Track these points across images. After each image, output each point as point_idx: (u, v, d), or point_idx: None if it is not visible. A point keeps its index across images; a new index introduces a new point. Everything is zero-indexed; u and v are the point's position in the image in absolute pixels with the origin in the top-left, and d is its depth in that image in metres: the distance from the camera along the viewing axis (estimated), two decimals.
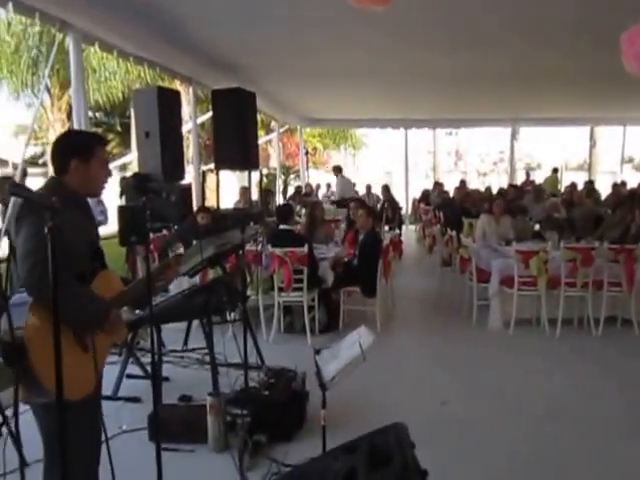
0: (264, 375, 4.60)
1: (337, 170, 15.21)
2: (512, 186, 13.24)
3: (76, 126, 5.51)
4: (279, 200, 15.79)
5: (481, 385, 4.90)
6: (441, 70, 9.05)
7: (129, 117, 16.98)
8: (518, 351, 5.75)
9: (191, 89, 8.28)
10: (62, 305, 2.08)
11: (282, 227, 6.22)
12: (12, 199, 2.84)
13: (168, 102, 6.10)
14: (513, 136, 17.12)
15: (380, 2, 3.12)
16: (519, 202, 9.96)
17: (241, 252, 4.53)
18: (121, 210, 6.26)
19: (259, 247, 5.81)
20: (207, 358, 5.05)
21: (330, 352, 3.02)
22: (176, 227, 7.05)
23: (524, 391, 4.74)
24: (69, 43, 5.23)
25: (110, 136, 17.11)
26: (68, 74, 12.20)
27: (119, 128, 18.52)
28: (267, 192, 11.07)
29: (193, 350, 5.26)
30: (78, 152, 2.42)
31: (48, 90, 13.09)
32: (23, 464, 3.50)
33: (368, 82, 10.21)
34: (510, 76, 9.36)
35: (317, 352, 3.09)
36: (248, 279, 5.57)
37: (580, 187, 12.53)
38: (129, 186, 6.75)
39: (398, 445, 2.45)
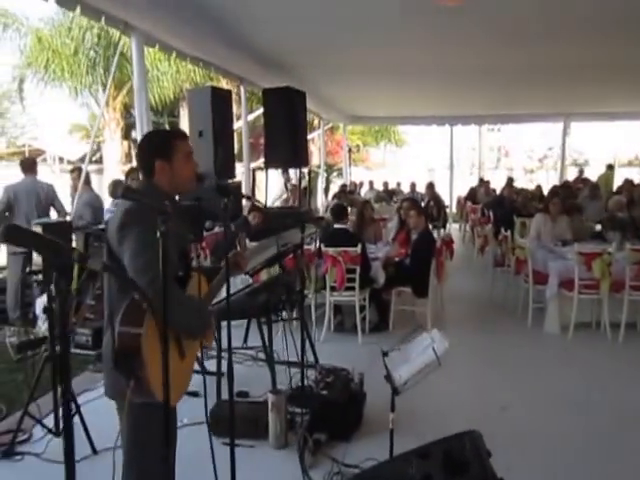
0: (318, 373, 4.62)
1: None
2: (565, 184, 12.92)
3: (138, 126, 5.64)
4: (322, 198, 15.81)
5: (541, 391, 4.78)
6: (491, 66, 8.88)
7: (177, 116, 17.30)
8: (578, 356, 5.59)
9: (242, 88, 8.34)
10: (174, 312, 2.08)
11: (337, 226, 6.20)
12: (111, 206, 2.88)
13: (220, 102, 6.16)
14: (565, 132, 16.56)
15: None
16: (573, 201, 9.67)
17: (300, 251, 4.53)
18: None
19: (314, 246, 5.81)
20: (260, 355, 5.11)
21: (400, 355, 2.98)
22: (229, 225, 7.09)
23: (589, 399, 4.60)
24: (132, 45, 5.32)
25: None
26: (122, 75, 12.56)
27: (167, 127, 18.82)
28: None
29: (247, 347, 5.30)
30: (159, 152, 2.38)
31: (104, 90, 13.43)
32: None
33: (415, 79, 10.12)
34: (562, 70, 9.11)
35: (385, 354, 3.06)
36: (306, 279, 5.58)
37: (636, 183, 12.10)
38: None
39: (475, 453, 2.41)
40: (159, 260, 2.06)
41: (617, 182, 15.56)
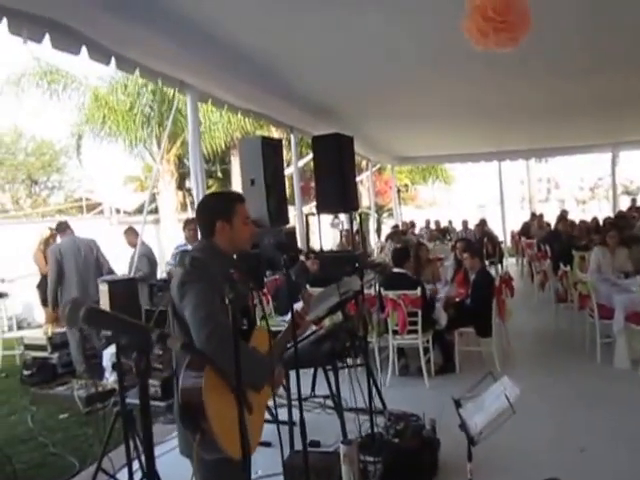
0: (387, 420, 4.55)
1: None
2: (620, 214, 12.58)
3: (192, 178, 5.87)
4: (375, 239, 15.82)
5: (619, 429, 4.56)
6: (537, 101, 8.83)
7: (228, 163, 17.79)
8: None
9: (292, 136, 8.55)
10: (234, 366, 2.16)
11: (395, 270, 6.20)
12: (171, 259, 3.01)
13: (271, 150, 6.34)
14: (613, 161, 16.18)
15: (510, 44, 3.10)
16: (631, 231, 9.41)
17: (361, 297, 4.54)
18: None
19: (373, 290, 5.82)
20: (328, 402, 5.08)
21: (473, 403, 2.92)
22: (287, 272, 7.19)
23: None
24: (187, 101, 5.57)
25: (210, 182, 17.96)
26: (176, 128, 13.06)
27: (220, 174, 19.38)
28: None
29: (315, 396, 5.28)
30: (220, 214, 2.51)
31: (158, 143, 14.00)
32: None
33: (462, 119, 10.12)
34: (608, 101, 8.99)
35: (457, 403, 3.00)
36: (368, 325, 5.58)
37: None
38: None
39: None
40: (218, 314, 2.23)
41: None
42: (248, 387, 2.32)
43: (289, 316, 2.78)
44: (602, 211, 21.90)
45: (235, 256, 2.62)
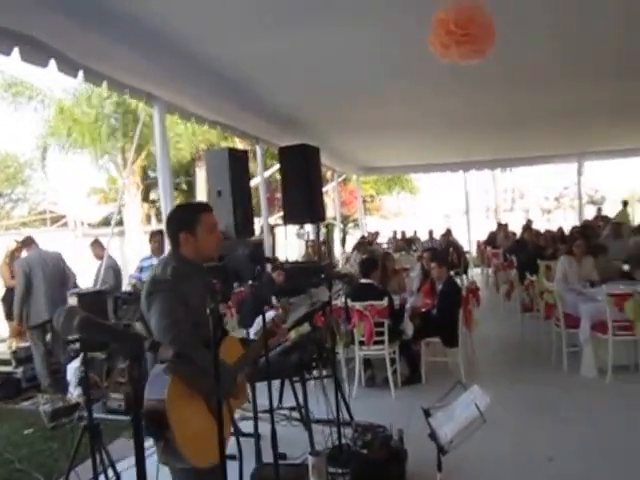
0: (354, 431, 4.53)
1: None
2: (586, 224, 12.84)
3: (161, 189, 5.87)
4: (340, 250, 15.83)
5: (586, 438, 4.61)
6: (503, 112, 9.01)
7: (193, 175, 17.68)
8: (619, 400, 5.41)
9: (258, 147, 8.52)
10: (197, 374, 2.19)
11: (363, 281, 6.19)
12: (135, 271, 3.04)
13: (237, 162, 6.34)
14: (579, 171, 16.54)
15: (475, 57, 3.14)
16: (597, 240, 9.60)
17: (329, 308, 4.51)
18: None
19: (339, 301, 5.80)
20: (294, 414, 5.03)
21: (443, 413, 2.91)
22: (252, 284, 7.13)
23: (636, 445, 4.42)
24: (154, 114, 5.51)
25: (175, 194, 17.76)
26: (141, 139, 12.92)
27: (184, 186, 19.21)
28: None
29: (282, 408, 5.22)
30: (183, 225, 2.61)
31: (123, 154, 13.87)
32: None
33: (428, 129, 10.27)
34: (575, 112, 9.21)
35: (427, 413, 2.99)
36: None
37: None
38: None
39: None
40: (182, 322, 2.35)
41: (635, 217, 15.50)
42: (210, 395, 2.32)
43: (253, 329, 2.77)
44: (567, 220, 22.37)
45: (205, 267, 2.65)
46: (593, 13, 4.66)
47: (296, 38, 4.86)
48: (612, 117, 9.82)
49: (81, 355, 3.92)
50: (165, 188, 5.69)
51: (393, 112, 8.43)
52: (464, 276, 12.96)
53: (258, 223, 8.65)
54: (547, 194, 36.49)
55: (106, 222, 17.97)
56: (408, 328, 6.26)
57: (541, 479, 4.04)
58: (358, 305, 5.83)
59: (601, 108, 8.96)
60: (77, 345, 5.00)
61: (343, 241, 17.59)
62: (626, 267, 7.79)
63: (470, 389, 3.00)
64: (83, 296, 6.05)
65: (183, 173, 18.45)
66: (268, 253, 8.46)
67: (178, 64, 5.17)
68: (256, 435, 4.26)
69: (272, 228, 8.92)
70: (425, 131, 10.47)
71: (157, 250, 6.93)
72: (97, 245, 7.82)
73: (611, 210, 17.80)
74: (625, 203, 15.92)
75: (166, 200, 5.61)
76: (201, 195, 15.43)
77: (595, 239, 9.59)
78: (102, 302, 6.37)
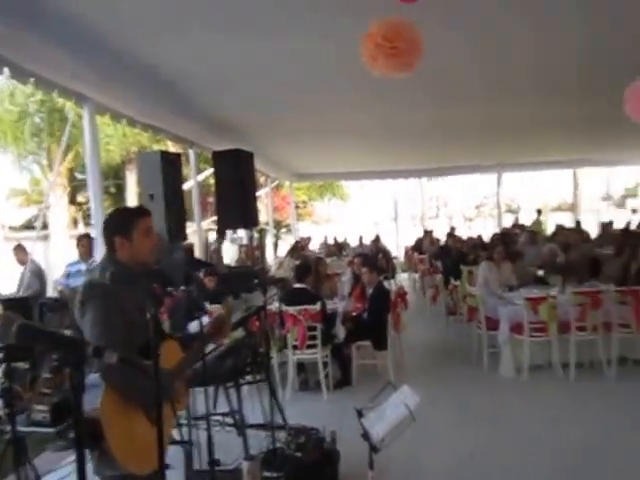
0: (288, 435, 4.60)
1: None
2: (505, 231, 13.48)
3: (91, 192, 5.70)
4: (272, 255, 15.88)
5: (505, 434, 4.92)
6: (430, 124, 9.37)
7: (122, 178, 17.24)
8: (535, 398, 5.80)
9: (192, 151, 8.46)
10: (133, 383, 2.19)
11: (296, 286, 6.29)
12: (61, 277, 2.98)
13: (170, 165, 6.26)
14: (498, 181, 17.42)
15: (409, 69, 3.30)
16: (514, 247, 10.11)
17: (264, 313, 4.58)
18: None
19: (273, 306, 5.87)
20: (227, 420, 5.04)
21: (375, 413, 3.04)
22: (184, 290, 7.08)
23: (550, 440, 4.75)
24: (84, 114, 5.39)
25: (104, 197, 17.25)
26: (69, 140, 12.51)
27: (113, 189, 18.68)
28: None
29: (215, 414, 5.22)
30: (119, 230, 2.60)
31: (48, 155, 13.34)
32: None
33: (358, 138, 10.49)
34: (495, 126, 9.70)
35: (360, 414, 3.10)
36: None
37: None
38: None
39: None
40: (116, 329, 2.34)
41: (548, 225, 16.48)
42: (145, 402, 2.33)
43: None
44: (487, 228, 23.33)
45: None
46: (511, 32, 4.94)
47: (232, 43, 4.89)
48: (528, 132, 10.42)
49: (3, 365, 3.81)
50: (95, 191, 5.55)
51: (326, 120, 8.59)
52: (392, 281, 13.30)
53: (190, 227, 8.58)
54: (469, 203, 37.99)
55: (29, 225, 17.20)
56: (340, 332, 6.42)
57: (464, 474, 4.26)
58: (292, 309, 5.93)
59: (519, 123, 9.48)
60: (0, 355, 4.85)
61: (276, 246, 17.65)
62: (540, 272, 8.26)
63: (400, 389, 3.14)
64: (8, 302, 5.83)
65: (112, 176, 17.96)
66: (201, 258, 8.41)
67: (110, 64, 5.07)
68: (190, 442, 4.27)
69: (206, 233, 8.88)
70: (356, 140, 10.70)
71: (85, 255, 6.76)
72: (20, 250, 7.57)
73: (526, 218, 18.82)
74: (539, 212, 16.87)
75: (96, 203, 5.48)
76: (131, 198, 15.06)
77: (513, 246, 10.10)
78: (27, 308, 6.16)
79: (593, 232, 13.76)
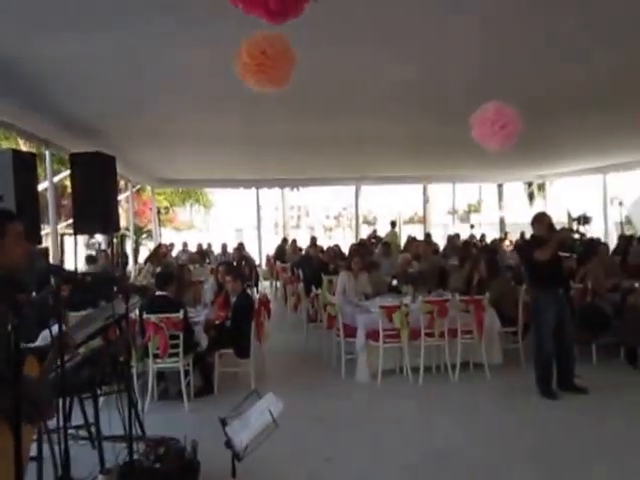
0: (146, 446, 4.50)
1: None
2: (362, 242, 14.14)
3: None
4: (132, 262, 15.29)
5: (359, 437, 5.18)
6: (293, 136, 9.63)
7: None
8: (388, 400, 6.16)
9: (47, 152, 7.98)
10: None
11: (158, 293, 6.17)
12: None
13: (23, 165, 5.90)
14: (357, 194, 18.25)
15: (278, 84, 3.41)
16: (371, 258, 10.67)
17: (125, 322, 4.46)
18: None
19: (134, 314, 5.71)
20: (81, 433, 4.82)
21: (239, 421, 3.09)
22: (35, 296, 6.65)
23: (404, 440, 5.09)
24: None
25: None
26: None
27: None
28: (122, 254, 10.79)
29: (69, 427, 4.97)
30: None
31: None
32: None
33: (222, 146, 10.52)
34: (355, 141, 10.17)
35: (224, 422, 3.14)
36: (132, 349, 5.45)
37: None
38: None
39: None
40: None
41: (401, 237, 17.61)
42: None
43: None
44: (346, 238, 24.29)
45: None
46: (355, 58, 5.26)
47: (96, 44, 4.72)
48: (384, 147, 11.07)
49: None
50: None
51: (187, 127, 8.53)
52: (255, 289, 13.44)
53: (44, 231, 8.09)
54: (328, 213, 39.32)
55: None
56: (202, 340, 6.39)
57: (320, 478, 4.45)
58: (153, 318, 5.81)
59: (375, 139, 10.03)
60: None
61: (136, 252, 17.01)
62: (394, 282, 8.81)
63: (265, 397, 3.23)
64: None
65: None
66: (56, 263, 7.94)
67: None
68: (39, 457, 4.04)
69: (61, 237, 8.40)
70: (220, 148, 10.71)
71: None
72: None
73: (382, 229, 19.92)
74: (393, 224, 17.88)
75: None
76: None
77: (369, 256, 10.67)
78: None
79: (442, 244, 14.88)
